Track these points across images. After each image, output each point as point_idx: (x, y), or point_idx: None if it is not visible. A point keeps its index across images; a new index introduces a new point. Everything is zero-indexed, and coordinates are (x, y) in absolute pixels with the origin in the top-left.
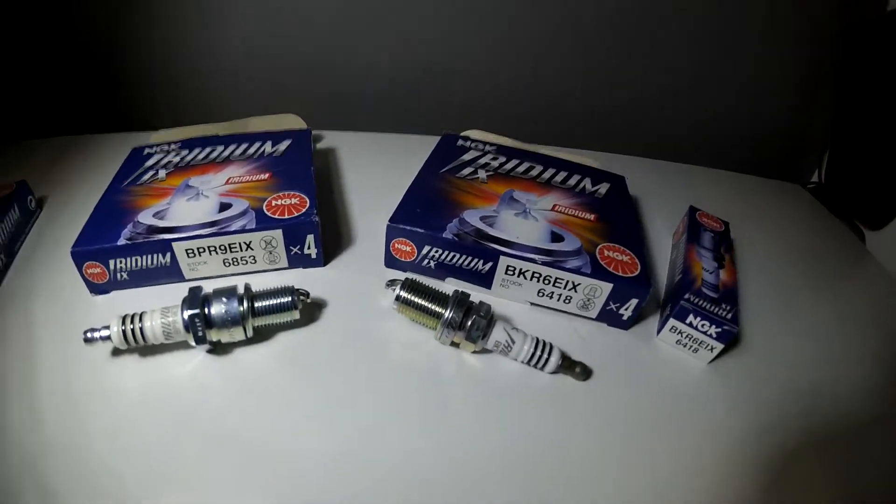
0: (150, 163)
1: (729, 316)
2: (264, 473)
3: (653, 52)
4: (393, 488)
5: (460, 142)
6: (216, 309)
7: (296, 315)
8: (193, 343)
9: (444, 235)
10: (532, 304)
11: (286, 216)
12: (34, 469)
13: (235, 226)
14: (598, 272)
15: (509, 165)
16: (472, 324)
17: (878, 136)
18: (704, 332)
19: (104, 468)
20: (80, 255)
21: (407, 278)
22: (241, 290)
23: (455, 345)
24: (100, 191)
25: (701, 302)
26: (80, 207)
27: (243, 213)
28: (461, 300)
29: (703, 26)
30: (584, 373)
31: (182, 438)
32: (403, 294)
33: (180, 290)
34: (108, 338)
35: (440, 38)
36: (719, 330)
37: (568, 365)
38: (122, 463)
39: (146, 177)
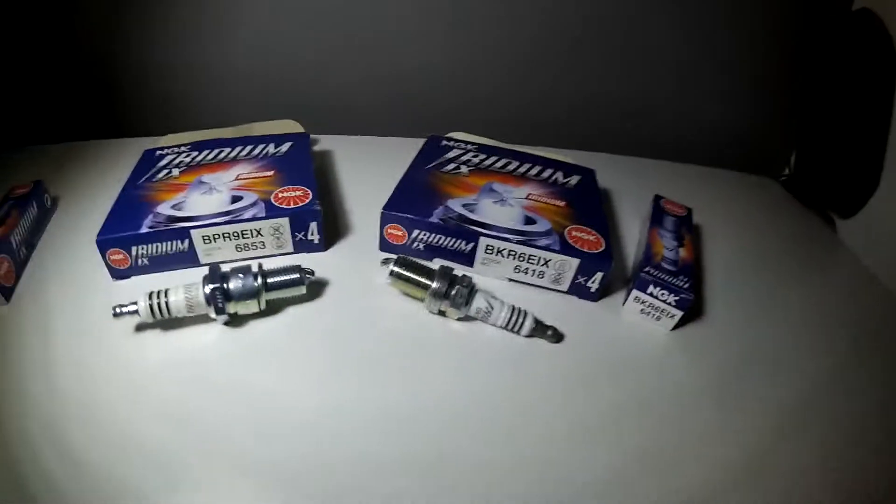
0: (163, 163)
1: (686, 286)
2: (276, 427)
3: (627, 55)
4: (383, 436)
5: (444, 142)
6: (234, 284)
7: (303, 290)
8: (214, 315)
9: (431, 220)
10: (510, 279)
11: (292, 206)
12: (53, 431)
13: (247, 215)
14: (566, 249)
15: (489, 162)
16: (457, 292)
17: (845, 126)
18: (664, 301)
19: (127, 430)
20: (105, 243)
21: (399, 256)
22: (255, 269)
23: (442, 313)
24: (112, 191)
25: (659, 274)
26: (94, 206)
27: (253, 204)
28: (446, 272)
29: (673, 25)
30: (556, 336)
31: (201, 400)
32: (396, 269)
33: (196, 275)
34: (136, 312)
35: (428, 47)
36: (677, 298)
37: (541, 329)
38: (146, 424)
39: (161, 175)
